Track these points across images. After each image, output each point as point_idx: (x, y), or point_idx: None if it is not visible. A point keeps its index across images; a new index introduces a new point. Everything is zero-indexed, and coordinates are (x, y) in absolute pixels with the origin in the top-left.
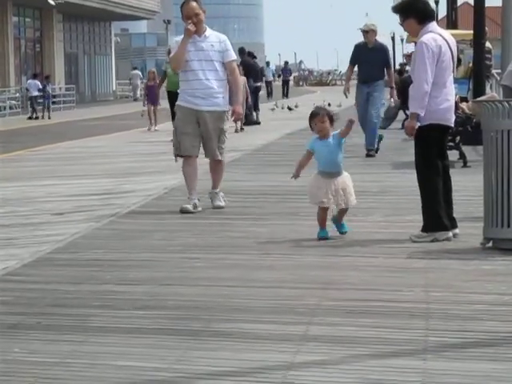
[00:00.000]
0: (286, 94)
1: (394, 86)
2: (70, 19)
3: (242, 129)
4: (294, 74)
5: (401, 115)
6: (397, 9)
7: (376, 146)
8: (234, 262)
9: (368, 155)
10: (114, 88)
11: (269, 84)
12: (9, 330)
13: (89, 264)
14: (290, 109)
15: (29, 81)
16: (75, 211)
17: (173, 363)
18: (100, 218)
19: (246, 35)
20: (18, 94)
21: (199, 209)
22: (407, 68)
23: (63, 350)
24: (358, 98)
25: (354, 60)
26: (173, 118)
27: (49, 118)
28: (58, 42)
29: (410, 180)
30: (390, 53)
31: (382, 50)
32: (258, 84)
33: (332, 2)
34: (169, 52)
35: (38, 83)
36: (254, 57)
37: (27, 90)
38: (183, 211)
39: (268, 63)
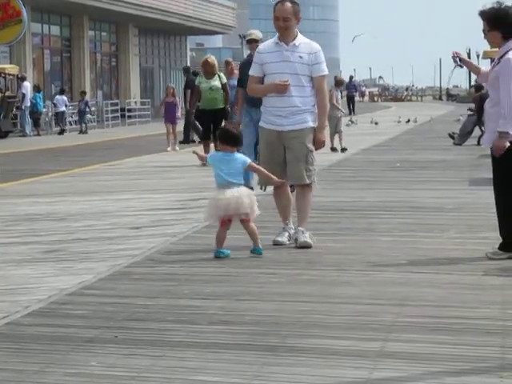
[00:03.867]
0: (352, 110)
1: None
2: (146, 33)
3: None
4: (368, 90)
5: (476, 131)
6: (485, 16)
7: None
8: (310, 278)
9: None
10: None
11: None
12: (86, 344)
13: (165, 278)
14: (376, 123)
15: (56, 96)
16: (151, 225)
17: (250, 379)
18: (176, 233)
19: (322, 51)
20: (93, 108)
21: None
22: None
23: (140, 364)
24: (245, 126)
25: (241, 81)
26: (204, 138)
27: (82, 132)
28: (133, 56)
29: (485, 197)
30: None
31: None
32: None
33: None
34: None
35: (66, 99)
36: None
37: (55, 105)
38: (276, 243)
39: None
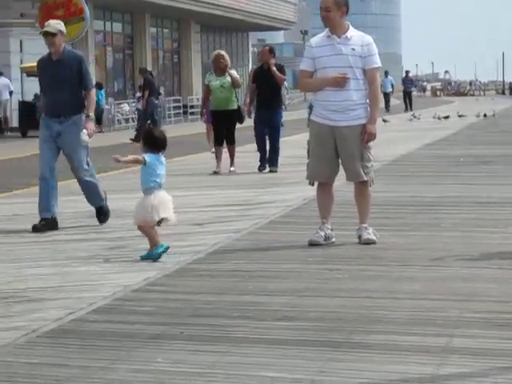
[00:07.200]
0: (409, 106)
1: (90, 114)
2: (208, 30)
3: None
4: (431, 84)
5: None
6: None
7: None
8: (374, 274)
9: None
10: None
11: (386, 96)
12: (151, 340)
13: (229, 274)
14: (439, 118)
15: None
16: (214, 222)
17: (314, 375)
18: (239, 229)
19: (384, 46)
20: None
21: (333, 239)
22: None
23: (206, 361)
24: (43, 141)
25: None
26: (217, 143)
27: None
28: (195, 52)
29: None
30: None
31: (74, 62)
32: (157, 101)
33: None
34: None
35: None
36: (152, 75)
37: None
38: (311, 243)
39: (386, 73)
